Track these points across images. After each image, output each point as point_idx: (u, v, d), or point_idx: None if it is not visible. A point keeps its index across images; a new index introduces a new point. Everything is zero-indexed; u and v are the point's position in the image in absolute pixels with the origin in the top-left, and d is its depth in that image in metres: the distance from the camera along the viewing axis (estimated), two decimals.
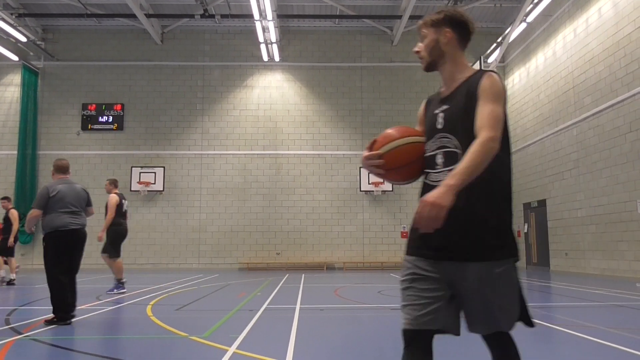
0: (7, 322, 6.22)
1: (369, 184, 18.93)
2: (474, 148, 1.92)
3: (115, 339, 5.52)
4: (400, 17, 18.29)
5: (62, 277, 6.14)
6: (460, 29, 2.26)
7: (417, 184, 2.26)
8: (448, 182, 1.86)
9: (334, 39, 20.24)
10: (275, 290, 10.21)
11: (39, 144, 19.35)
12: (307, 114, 19.81)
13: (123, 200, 9.98)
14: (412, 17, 18.21)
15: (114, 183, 10.11)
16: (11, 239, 11.66)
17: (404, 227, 19.28)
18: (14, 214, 11.92)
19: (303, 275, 15.19)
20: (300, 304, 7.93)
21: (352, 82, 19.91)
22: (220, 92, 19.86)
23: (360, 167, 19.13)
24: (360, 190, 19.14)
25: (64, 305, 6.05)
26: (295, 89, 19.99)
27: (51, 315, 6.09)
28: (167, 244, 18.94)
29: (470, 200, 1.97)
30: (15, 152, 19.03)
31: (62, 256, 6.20)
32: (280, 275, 15.19)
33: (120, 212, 9.85)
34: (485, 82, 2.09)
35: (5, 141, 19.29)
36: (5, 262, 12.03)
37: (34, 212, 6.22)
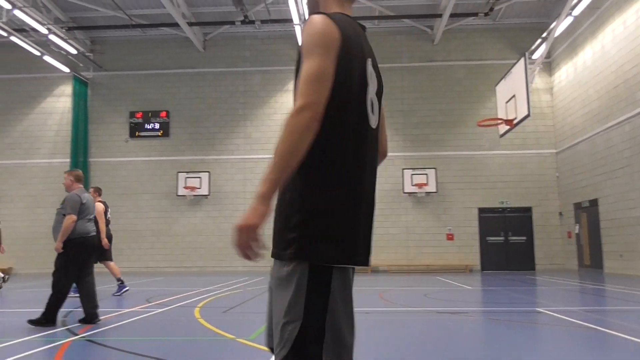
0: (64, 324, 6.46)
1: (412, 185, 18.74)
2: (281, 132, 1.54)
3: (165, 340, 5.64)
4: (440, 15, 18.05)
5: (74, 282, 6.56)
6: None
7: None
8: (258, 190, 1.56)
9: (373, 39, 20.08)
10: None
11: (90, 152, 20.05)
12: None
13: (107, 209, 10.02)
14: (452, 16, 17.94)
15: (97, 191, 10.03)
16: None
17: (450, 229, 18.97)
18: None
19: None
20: None
21: (393, 82, 19.76)
22: (261, 97, 20.09)
23: (403, 169, 18.96)
24: (404, 192, 18.95)
25: (56, 310, 6.38)
26: None
27: (37, 317, 6.33)
28: (213, 247, 19.26)
29: (285, 188, 1.63)
30: (68, 159, 19.78)
31: (84, 262, 6.59)
32: None
33: (105, 219, 9.80)
34: (302, 34, 1.66)
35: (59, 150, 20.08)
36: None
37: (72, 218, 6.49)
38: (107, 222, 9.99)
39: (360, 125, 1.69)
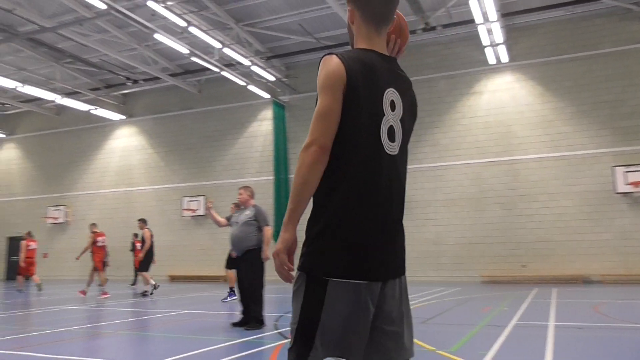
0: (275, 327, 7.09)
1: (626, 184, 16.52)
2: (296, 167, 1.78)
3: None
4: None
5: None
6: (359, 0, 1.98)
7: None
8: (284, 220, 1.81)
9: (567, 28, 18.39)
10: (524, 305, 9.59)
11: (290, 169, 21.77)
12: (543, 114, 18.32)
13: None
14: None
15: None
16: (141, 255, 13.94)
17: None
18: (147, 233, 14.25)
19: (554, 289, 13.96)
20: (555, 321, 7.29)
21: (593, 72, 17.77)
22: (447, 102, 19.71)
23: (613, 166, 16.89)
24: (616, 193, 16.82)
25: (259, 313, 7.12)
26: (528, 88, 18.70)
27: (246, 322, 7.09)
28: (407, 257, 19.23)
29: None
30: (272, 177, 21.76)
31: (262, 267, 7.24)
32: (528, 289, 14.21)
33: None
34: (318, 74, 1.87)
35: (264, 168, 22.21)
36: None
37: (271, 229, 7.27)
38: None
39: (372, 153, 1.83)
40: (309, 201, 1.82)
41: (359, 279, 1.79)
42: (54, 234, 25.36)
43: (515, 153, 18.40)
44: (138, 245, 16.10)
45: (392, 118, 1.90)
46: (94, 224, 14.95)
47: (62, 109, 26.23)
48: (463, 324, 7.32)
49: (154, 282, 13.99)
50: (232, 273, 11.36)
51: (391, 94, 1.91)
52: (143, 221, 14.72)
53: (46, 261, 24.52)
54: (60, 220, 25.21)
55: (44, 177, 26.84)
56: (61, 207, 25.53)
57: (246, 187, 7.76)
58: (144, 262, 14.01)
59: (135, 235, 18.02)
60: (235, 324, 7.21)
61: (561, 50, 18.30)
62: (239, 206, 11.60)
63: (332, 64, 1.83)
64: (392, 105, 1.91)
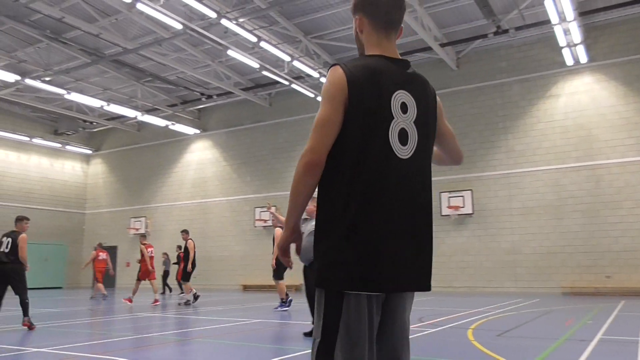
0: None
1: None
2: None
3: None
4: None
5: None
6: (368, 7, 2.00)
7: None
8: None
9: None
10: (610, 319, 9.03)
11: None
12: (628, 116, 17.26)
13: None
14: None
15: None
16: (189, 266, 14.15)
17: None
18: (190, 244, 14.32)
19: None
20: None
21: None
22: (522, 106, 19.03)
23: None
24: None
25: None
26: (610, 89, 17.70)
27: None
28: (481, 267, 18.77)
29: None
30: None
31: None
32: (614, 301, 13.37)
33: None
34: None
35: None
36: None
37: None
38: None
39: (380, 158, 1.80)
40: (304, 206, 1.89)
41: (372, 291, 1.80)
42: (136, 244, 26.71)
43: (597, 158, 17.43)
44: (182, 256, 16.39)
45: (403, 121, 1.86)
46: (143, 235, 16.29)
47: (142, 125, 27.71)
48: (543, 338, 6.99)
49: (195, 291, 14.38)
50: (283, 284, 12.12)
51: (401, 96, 1.87)
52: (186, 232, 15.05)
53: (129, 270, 25.87)
54: (142, 231, 26.53)
55: (126, 190, 28.39)
56: (142, 219, 26.88)
57: (313, 199, 7.72)
58: (186, 272, 14.28)
59: (179, 247, 18.41)
60: (307, 334, 7.26)
61: None
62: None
63: (334, 75, 1.85)
64: (404, 108, 1.87)
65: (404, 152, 1.85)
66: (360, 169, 1.79)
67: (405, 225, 1.84)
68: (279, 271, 12.15)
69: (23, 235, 8.49)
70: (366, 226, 1.78)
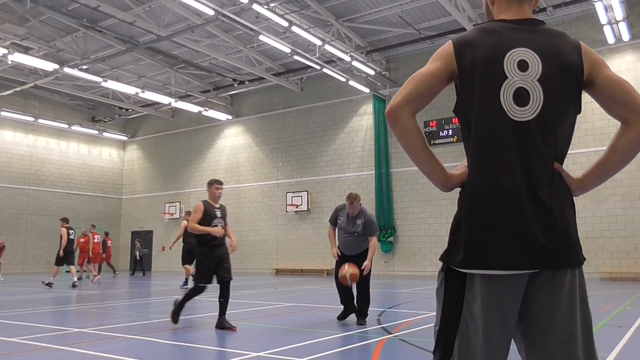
0: (379, 322, 7.10)
1: None
2: None
3: None
4: None
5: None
6: None
7: None
8: None
9: None
10: None
11: (391, 163, 21.62)
12: None
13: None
14: None
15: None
16: (61, 251, 14.74)
17: None
18: (63, 231, 14.89)
19: None
20: None
21: None
22: None
23: None
24: None
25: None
26: None
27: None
28: None
29: None
30: (373, 171, 21.75)
31: None
32: None
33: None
34: None
35: (365, 163, 22.26)
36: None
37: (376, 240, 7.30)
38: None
39: (488, 123, 1.67)
40: (432, 161, 1.73)
41: (481, 268, 1.59)
42: (170, 228, 27.28)
43: None
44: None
45: (520, 79, 1.67)
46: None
47: (176, 111, 28.12)
48: None
49: (53, 279, 14.84)
50: (190, 267, 12.48)
51: (519, 54, 1.69)
52: (63, 220, 15.43)
53: (164, 254, 26.47)
54: (176, 216, 27.05)
55: (161, 175, 28.95)
56: (176, 204, 27.38)
57: (356, 196, 7.23)
58: (58, 257, 14.94)
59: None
60: (338, 317, 7.25)
61: None
62: None
63: (444, 46, 1.77)
64: (522, 66, 1.68)
65: (522, 114, 1.66)
66: (474, 139, 1.69)
67: (524, 192, 1.66)
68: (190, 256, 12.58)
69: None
70: (476, 200, 1.67)
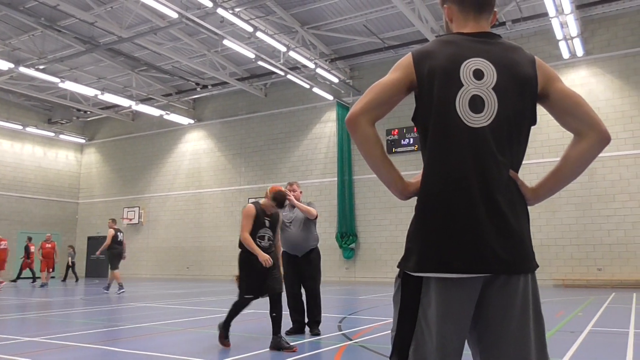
0: (339, 329, 7.12)
1: None
2: None
3: None
4: None
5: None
6: None
7: None
8: None
9: None
10: (600, 311, 9.11)
11: (354, 170, 21.78)
12: (623, 109, 17.31)
13: (119, 233, 15.27)
14: None
15: (114, 220, 15.54)
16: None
17: None
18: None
19: (635, 294, 13.16)
20: (636, 328, 6.88)
21: None
22: None
23: None
24: None
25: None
26: (606, 82, 17.74)
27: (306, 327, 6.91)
28: None
29: None
30: (336, 178, 21.85)
31: None
32: (604, 293, 13.48)
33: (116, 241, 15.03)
34: None
35: (328, 170, 22.34)
36: None
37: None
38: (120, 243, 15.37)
39: (444, 130, 1.70)
40: (389, 169, 1.80)
41: (437, 271, 1.62)
42: (129, 234, 26.66)
43: None
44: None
45: (475, 87, 1.70)
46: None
47: (137, 114, 27.58)
48: None
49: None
50: (118, 273, 14.71)
51: (475, 63, 1.73)
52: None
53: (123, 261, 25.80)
54: (135, 221, 26.46)
55: (120, 179, 28.30)
56: (135, 208, 26.81)
57: (292, 185, 7.08)
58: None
59: (30, 238, 21.43)
60: (289, 332, 6.62)
61: None
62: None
63: (404, 58, 1.82)
64: (478, 74, 1.72)
65: (476, 120, 1.70)
66: (429, 145, 1.73)
67: (478, 197, 1.69)
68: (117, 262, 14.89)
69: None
70: (432, 203, 1.72)
